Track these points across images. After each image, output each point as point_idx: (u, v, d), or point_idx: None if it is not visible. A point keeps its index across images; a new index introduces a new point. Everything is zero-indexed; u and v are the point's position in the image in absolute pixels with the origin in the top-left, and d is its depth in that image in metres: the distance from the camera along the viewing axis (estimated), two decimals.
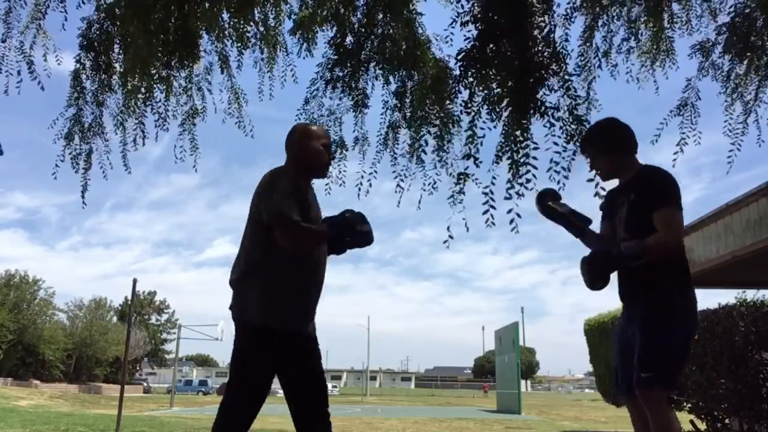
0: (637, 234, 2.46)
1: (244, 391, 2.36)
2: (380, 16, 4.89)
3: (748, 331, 6.18)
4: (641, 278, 2.50)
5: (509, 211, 3.63)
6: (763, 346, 6.12)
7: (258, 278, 2.39)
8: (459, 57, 4.13)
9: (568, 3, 4.82)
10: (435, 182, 4.68)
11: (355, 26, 4.97)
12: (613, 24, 5.09)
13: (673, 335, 2.40)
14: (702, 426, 7.06)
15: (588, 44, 5.02)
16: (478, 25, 4.07)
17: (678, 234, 2.47)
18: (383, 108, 5.07)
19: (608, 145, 2.67)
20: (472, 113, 4.06)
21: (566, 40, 4.38)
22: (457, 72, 4.27)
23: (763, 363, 6.10)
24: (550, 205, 2.75)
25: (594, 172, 2.83)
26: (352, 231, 2.43)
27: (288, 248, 2.33)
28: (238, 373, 2.38)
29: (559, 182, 3.75)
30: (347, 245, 2.52)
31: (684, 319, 2.44)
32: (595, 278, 2.50)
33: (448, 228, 3.83)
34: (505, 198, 3.70)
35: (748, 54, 4.93)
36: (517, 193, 3.68)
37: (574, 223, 2.72)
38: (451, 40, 4.64)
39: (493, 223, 3.70)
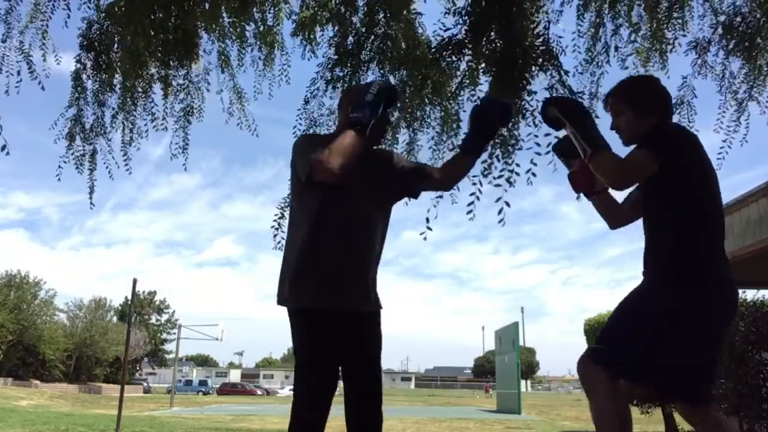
0: (646, 197, 2.21)
1: (309, 385, 2.18)
2: (380, 16, 4.89)
3: (748, 331, 6.19)
4: (648, 261, 2.19)
5: (498, 200, 3.51)
6: (763, 346, 6.12)
7: (293, 258, 2.23)
8: (439, 45, 4.15)
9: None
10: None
11: (356, 26, 4.98)
12: (619, 20, 5.10)
13: (643, 321, 2.04)
14: None
15: (595, 39, 5.03)
16: (466, 17, 4.08)
17: (625, 169, 2.11)
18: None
19: (638, 102, 2.26)
20: (463, 103, 4.09)
21: (560, 37, 4.41)
22: (437, 59, 4.28)
23: (763, 363, 6.10)
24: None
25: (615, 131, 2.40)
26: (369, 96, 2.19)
27: (331, 180, 2.12)
28: (299, 365, 2.20)
29: (530, 181, 3.73)
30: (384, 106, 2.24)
31: (670, 312, 2.01)
32: (548, 107, 2.31)
33: (427, 219, 3.81)
34: (496, 185, 3.63)
35: (746, 53, 4.93)
36: (508, 180, 3.66)
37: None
38: (440, 35, 4.67)
39: (474, 215, 3.68)
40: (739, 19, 4.87)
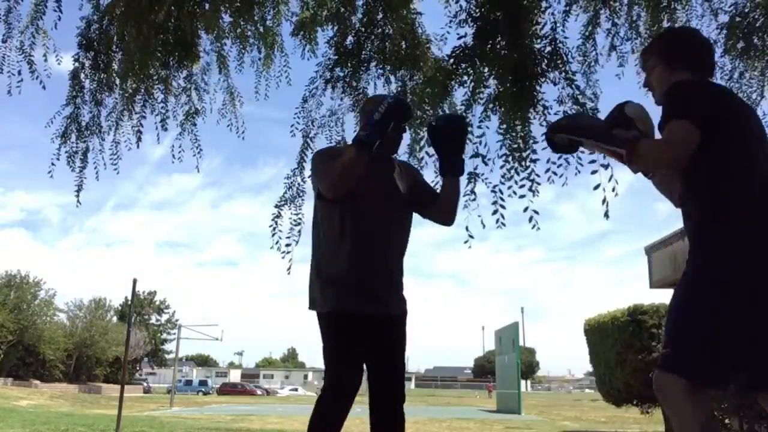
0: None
1: (333, 386, 2.28)
2: (380, 15, 4.89)
3: None
4: (692, 230, 1.89)
5: (525, 209, 3.63)
6: None
7: (315, 265, 2.36)
8: (453, 54, 4.15)
9: None
10: (434, 182, 4.67)
11: (356, 26, 4.98)
12: (617, 20, 5.08)
13: (701, 305, 1.75)
14: None
15: (590, 40, 5.02)
16: (474, 23, 4.09)
17: (673, 145, 1.83)
18: None
19: (669, 54, 2.02)
20: (480, 111, 4.09)
21: (566, 37, 4.39)
22: (455, 70, 4.28)
23: None
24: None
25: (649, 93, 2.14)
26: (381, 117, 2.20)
27: (330, 194, 2.26)
28: (327, 365, 2.31)
29: (551, 179, 3.75)
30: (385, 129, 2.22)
31: (721, 285, 1.73)
32: (552, 134, 2.10)
33: (466, 228, 3.72)
34: (520, 196, 3.70)
35: (750, 53, 4.93)
36: (530, 189, 3.68)
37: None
38: (446, 39, 4.66)
39: (503, 224, 3.69)
40: (739, 19, 4.87)
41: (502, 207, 3.68)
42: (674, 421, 1.75)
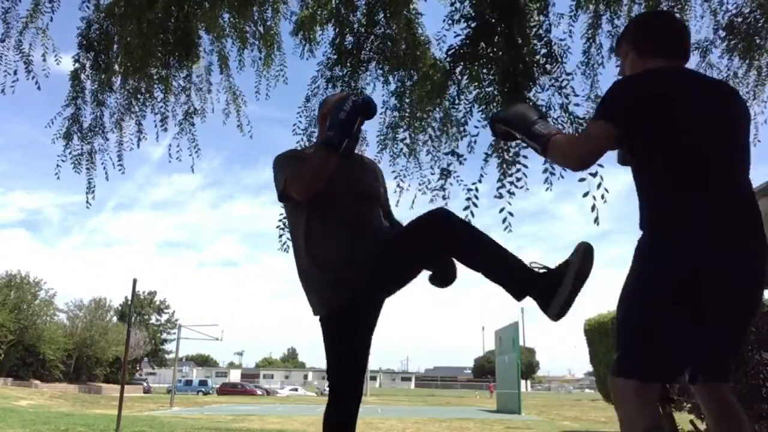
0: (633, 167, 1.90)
1: (336, 384, 2.29)
2: (380, 16, 4.89)
3: (749, 331, 6.19)
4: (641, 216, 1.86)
5: (501, 210, 3.64)
6: (763, 346, 6.12)
7: (300, 270, 2.34)
8: (449, 53, 4.16)
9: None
10: (430, 182, 4.66)
11: (355, 26, 4.98)
12: (618, 21, 5.08)
13: (644, 302, 1.74)
14: (702, 426, 7.05)
15: (591, 41, 5.02)
16: (470, 23, 4.09)
17: (583, 146, 1.81)
18: (383, 108, 5.07)
19: (639, 41, 1.95)
20: (464, 111, 4.10)
21: (562, 39, 4.39)
22: (451, 70, 4.29)
23: (763, 363, 6.10)
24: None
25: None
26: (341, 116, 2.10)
27: (302, 196, 2.21)
28: (329, 367, 2.32)
29: (549, 182, 3.76)
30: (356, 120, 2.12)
31: (659, 277, 1.71)
32: (493, 125, 2.10)
33: None
34: (495, 197, 3.70)
35: (749, 53, 4.93)
36: (509, 191, 3.69)
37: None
38: (444, 40, 4.68)
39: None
40: (740, 19, 4.87)
41: (475, 206, 3.69)
42: (621, 422, 1.73)
